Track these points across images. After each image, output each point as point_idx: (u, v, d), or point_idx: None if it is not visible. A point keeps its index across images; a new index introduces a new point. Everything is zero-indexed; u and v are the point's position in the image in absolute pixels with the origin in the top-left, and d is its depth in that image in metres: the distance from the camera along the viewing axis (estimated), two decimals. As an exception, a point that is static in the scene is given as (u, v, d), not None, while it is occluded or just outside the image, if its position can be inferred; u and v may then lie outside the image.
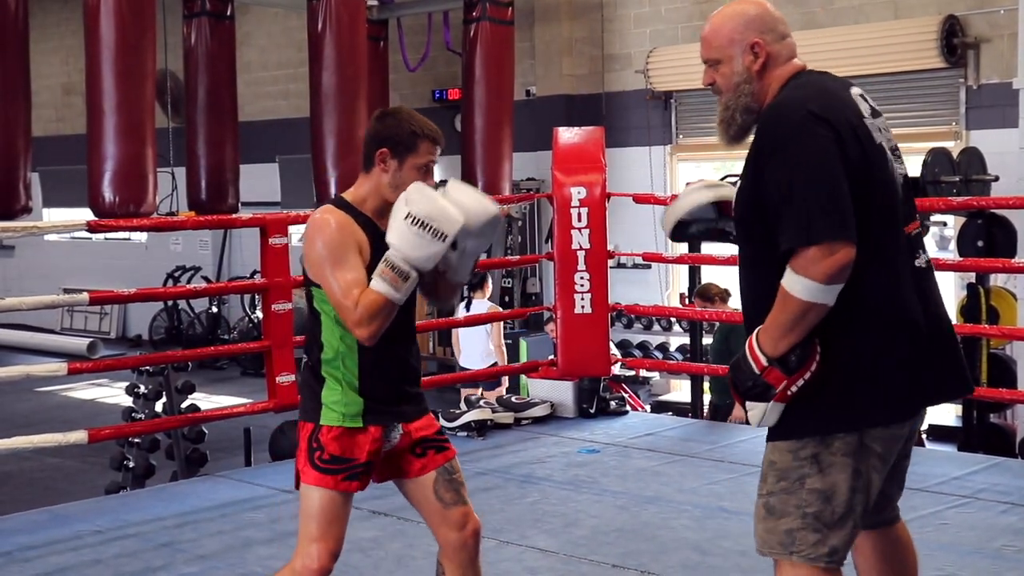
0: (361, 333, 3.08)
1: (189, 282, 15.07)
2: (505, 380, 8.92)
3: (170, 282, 15.03)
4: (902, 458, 2.93)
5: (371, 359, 3.20)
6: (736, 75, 2.87)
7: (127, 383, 8.22)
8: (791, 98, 2.79)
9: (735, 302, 7.92)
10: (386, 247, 3.07)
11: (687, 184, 3.35)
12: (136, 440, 7.67)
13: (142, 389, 7.94)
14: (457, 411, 6.86)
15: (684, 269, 10.65)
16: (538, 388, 7.41)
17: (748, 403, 2.78)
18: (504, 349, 9.19)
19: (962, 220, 7.78)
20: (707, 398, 8.34)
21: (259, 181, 13.99)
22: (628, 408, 7.57)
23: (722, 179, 10.30)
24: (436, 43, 11.34)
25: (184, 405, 7.94)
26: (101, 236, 16.36)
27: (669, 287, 11.64)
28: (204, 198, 8.52)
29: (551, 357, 7.45)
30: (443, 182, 3.22)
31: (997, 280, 8.15)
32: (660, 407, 9.60)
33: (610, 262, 7.08)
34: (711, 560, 4.59)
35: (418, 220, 3.01)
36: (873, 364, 2.73)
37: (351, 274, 3.09)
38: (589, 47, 12.23)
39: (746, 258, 2.91)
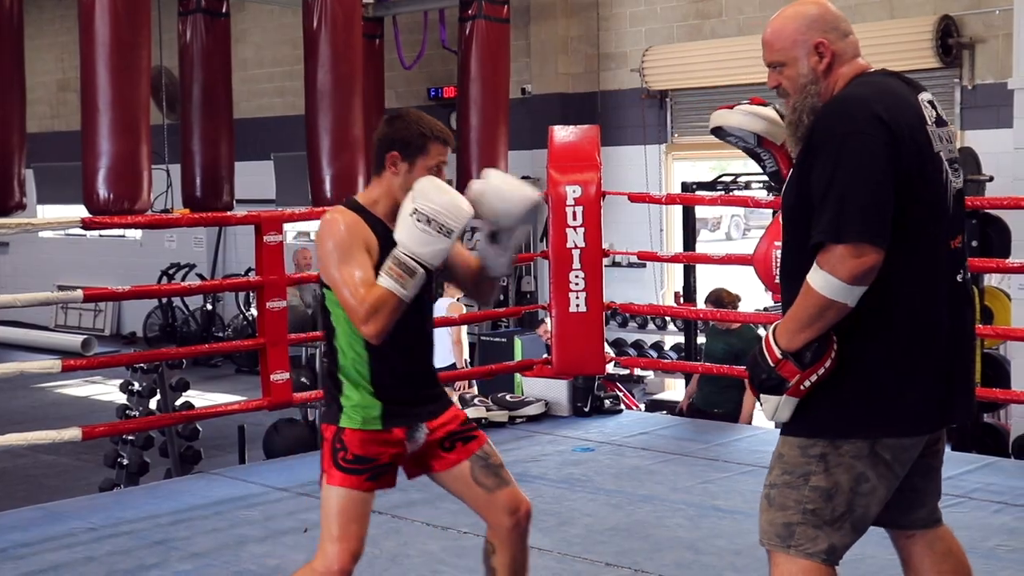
0: (367, 330, 3.06)
1: (184, 279, 15.06)
2: (471, 382, 8.82)
3: (164, 279, 15.01)
4: (930, 457, 2.91)
5: (386, 363, 3.20)
6: (802, 77, 2.84)
7: (121, 380, 8.22)
8: (852, 95, 2.76)
9: (744, 306, 7.93)
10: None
11: (750, 101, 3.30)
12: (130, 437, 7.66)
13: (136, 386, 7.93)
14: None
15: (679, 268, 10.66)
16: (532, 387, 7.40)
17: (762, 396, 2.78)
18: (464, 345, 9.12)
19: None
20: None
21: (254, 178, 13.99)
22: (623, 407, 7.57)
23: (718, 178, 10.24)
24: (432, 41, 11.33)
25: (178, 402, 7.94)
26: (95, 233, 16.31)
27: (664, 286, 11.64)
28: (199, 195, 8.52)
29: (545, 356, 7.45)
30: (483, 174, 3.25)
31: (991, 280, 8.16)
32: (654, 406, 9.60)
33: (605, 261, 7.07)
34: (705, 559, 4.59)
35: (423, 216, 3.02)
36: (895, 374, 2.72)
37: (358, 272, 3.09)
38: (585, 46, 12.23)
39: (789, 248, 2.87)
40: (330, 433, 3.24)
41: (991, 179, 8.07)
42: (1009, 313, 7.73)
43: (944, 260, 2.79)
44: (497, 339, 10.03)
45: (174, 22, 8.75)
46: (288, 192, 14.20)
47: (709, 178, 10.00)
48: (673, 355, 11.01)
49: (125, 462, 7.66)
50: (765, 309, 8.58)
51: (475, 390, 8.41)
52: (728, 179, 9.53)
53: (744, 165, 12.83)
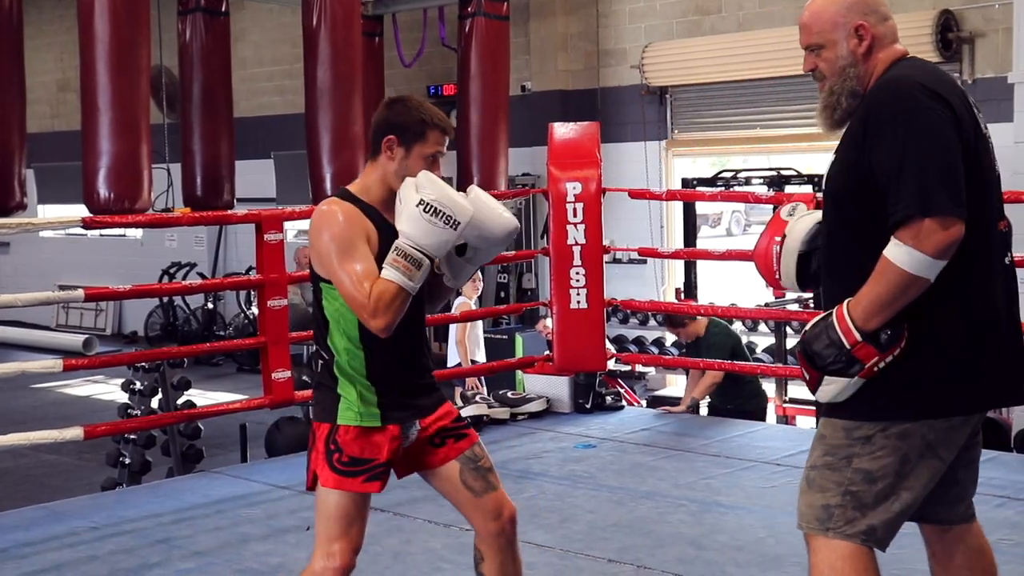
0: (376, 324, 2.99)
1: (184, 278, 15.05)
2: (481, 380, 8.84)
3: (165, 278, 15.01)
4: (972, 448, 2.87)
5: (381, 357, 3.13)
6: (841, 59, 2.80)
7: (123, 379, 8.21)
8: (903, 76, 2.72)
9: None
10: (393, 237, 3.01)
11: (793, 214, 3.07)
12: (132, 436, 7.66)
13: (138, 385, 7.93)
14: (453, 407, 6.85)
15: (680, 264, 10.66)
16: (534, 383, 7.41)
17: (826, 379, 2.71)
18: (467, 346, 9.13)
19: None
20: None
21: (254, 177, 13.99)
22: (624, 403, 7.58)
23: (718, 174, 10.25)
24: (431, 38, 11.32)
25: (180, 401, 7.94)
26: (96, 232, 16.29)
27: (665, 282, 11.64)
28: (199, 194, 8.52)
29: (547, 352, 7.45)
30: (464, 190, 3.17)
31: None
32: (656, 402, 9.59)
33: (605, 257, 7.07)
34: (707, 555, 4.59)
35: (430, 207, 2.96)
36: (947, 356, 2.67)
37: (361, 265, 3.01)
38: (584, 42, 12.23)
39: (836, 239, 2.81)
40: (323, 432, 3.16)
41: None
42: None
43: (997, 242, 2.77)
44: (498, 336, 10.03)
45: (174, 21, 8.75)
46: (288, 190, 14.20)
47: (709, 174, 10.00)
48: (674, 351, 11.00)
49: (127, 461, 7.66)
50: (766, 305, 8.58)
51: (484, 390, 8.40)
52: (728, 175, 9.54)
53: (744, 161, 12.84)
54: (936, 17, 9.66)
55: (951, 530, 2.93)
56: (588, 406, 7.21)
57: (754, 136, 11.28)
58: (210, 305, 15.18)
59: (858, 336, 2.65)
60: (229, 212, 8.13)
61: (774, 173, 9.24)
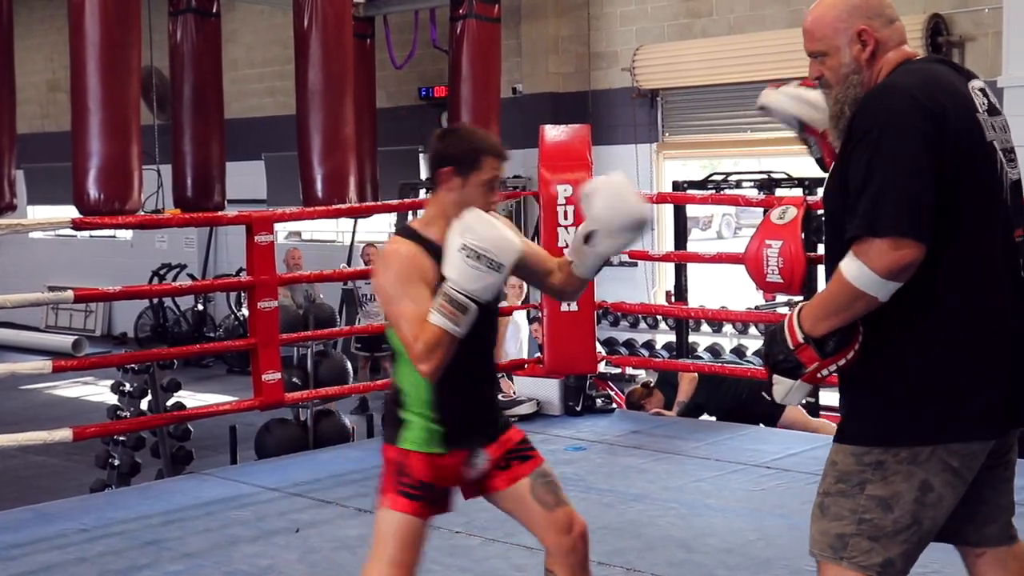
0: (422, 369, 3.00)
1: (175, 280, 15.03)
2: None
3: (155, 280, 14.98)
4: (1000, 468, 2.75)
5: (448, 388, 3.13)
6: (844, 66, 2.69)
7: (112, 381, 8.20)
8: (895, 84, 2.62)
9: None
10: None
11: (800, 82, 3.11)
12: (121, 438, 7.65)
13: (127, 387, 7.91)
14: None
15: (670, 267, 10.66)
16: (524, 386, 7.41)
17: (775, 377, 2.68)
18: (523, 344, 9.18)
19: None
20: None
21: (245, 179, 13.95)
22: (614, 406, 7.58)
23: (709, 176, 10.23)
24: (422, 40, 11.32)
25: (169, 403, 7.92)
26: (86, 234, 16.24)
27: (655, 285, 11.65)
28: (190, 195, 8.50)
29: (537, 355, 7.45)
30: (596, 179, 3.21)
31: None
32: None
33: (596, 260, 7.06)
34: (696, 557, 4.60)
35: (473, 252, 2.95)
36: (956, 374, 2.58)
37: (413, 308, 3.01)
38: (575, 45, 12.24)
39: (833, 248, 2.72)
40: (392, 455, 3.19)
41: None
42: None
43: (1005, 253, 2.65)
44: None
45: (164, 22, 8.72)
46: (279, 192, 14.18)
47: (700, 177, 10.00)
48: (664, 354, 11.01)
49: (116, 463, 7.65)
50: (756, 308, 8.59)
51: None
52: (719, 178, 9.54)
53: (735, 164, 12.85)
54: (926, 21, 9.68)
55: (987, 554, 2.81)
56: (578, 409, 7.21)
57: (745, 139, 11.30)
58: (200, 307, 15.17)
59: (800, 338, 2.62)
60: (219, 213, 8.11)
61: (765, 176, 9.24)
